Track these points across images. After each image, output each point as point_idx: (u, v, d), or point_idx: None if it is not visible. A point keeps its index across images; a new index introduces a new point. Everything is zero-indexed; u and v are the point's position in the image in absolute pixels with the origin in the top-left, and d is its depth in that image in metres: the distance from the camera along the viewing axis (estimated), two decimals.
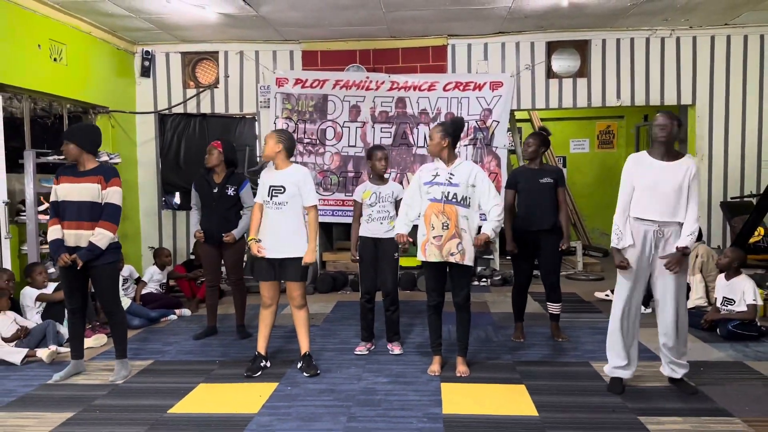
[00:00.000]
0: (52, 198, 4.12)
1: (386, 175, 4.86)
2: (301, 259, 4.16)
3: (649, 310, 5.39)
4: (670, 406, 3.55)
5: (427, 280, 4.25)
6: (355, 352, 4.71)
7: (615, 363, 3.82)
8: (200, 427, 3.35)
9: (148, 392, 3.92)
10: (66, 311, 4.37)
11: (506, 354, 4.61)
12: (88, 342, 4.97)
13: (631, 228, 3.64)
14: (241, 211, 5.23)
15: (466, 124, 7.38)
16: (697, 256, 5.95)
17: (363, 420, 3.40)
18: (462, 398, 3.72)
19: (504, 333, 5.19)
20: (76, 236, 4.03)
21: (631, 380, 3.95)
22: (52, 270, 5.64)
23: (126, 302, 5.67)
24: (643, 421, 3.34)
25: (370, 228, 4.71)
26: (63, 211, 4.05)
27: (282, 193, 4.14)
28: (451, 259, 4.03)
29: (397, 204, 4.65)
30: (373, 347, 4.83)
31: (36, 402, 3.79)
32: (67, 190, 4.04)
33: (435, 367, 4.21)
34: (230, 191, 5.18)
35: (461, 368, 4.18)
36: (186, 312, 6.08)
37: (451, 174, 4.07)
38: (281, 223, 4.15)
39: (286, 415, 3.48)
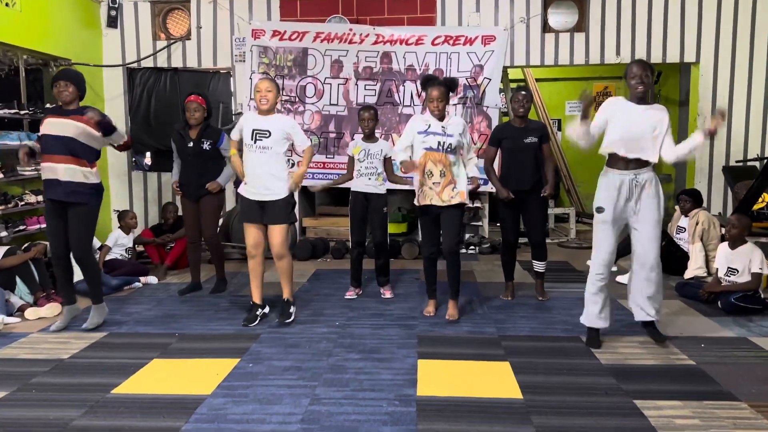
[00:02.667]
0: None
1: (377, 133, 5.08)
2: (283, 201, 4.22)
3: (614, 269, 5.10)
4: (668, 388, 3.21)
5: (422, 230, 4.50)
6: (345, 297, 5.05)
7: (592, 311, 3.83)
8: (144, 409, 2.99)
9: (94, 369, 3.55)
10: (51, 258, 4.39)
11: (490, 327, 4.26)
12: (40, 311, 4.63)
13: (607, 179, 3.74)
14: (223, 162, 5.17)
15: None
16: (697, 224, 5.58)
17: (327, 402, 3.05)
18: (440, 377, 3.37)
19: (490, 305, 4.84)
20: (51, 169, 4.10)
21: (625, 358, 3.63)
22: (3, 234, 5.25)
23: None
24: (639, 405, 3.00)
25: (359, 183, 4.93)
26: (44, 145, 4.14)
27: (267, 137, 4.17)
28: (452, 202, 4.26)
29: (385, 162, 4.92)
30: (360, 292, 5.16)
31: None
32: (49, 125, 4.13)
33: (430, 309, 4.55)
34: (206, 145, 5.08)
35: (451, 311, 4.41)
36: (152, 279, 5.68)
37: (443, 126, 4.27)
38: (264, 166, 4.19)
39: (243, 397, 3.12)
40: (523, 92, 4.77)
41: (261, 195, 4.21)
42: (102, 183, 4.31)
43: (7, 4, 5.73)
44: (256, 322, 4.32)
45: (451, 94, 4.32)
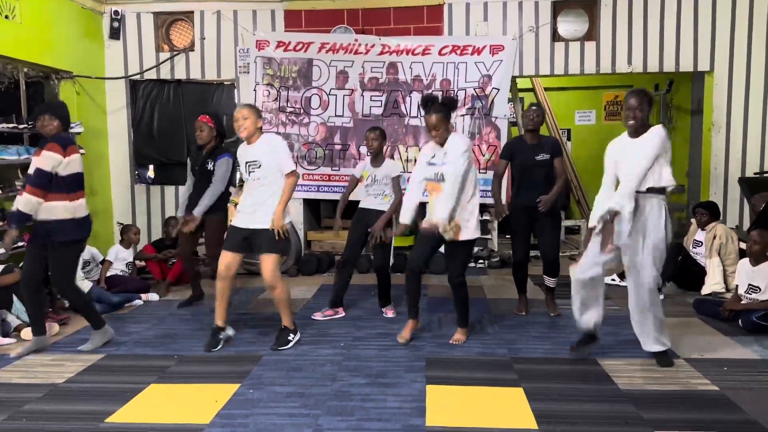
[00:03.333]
0: None
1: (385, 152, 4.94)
2: (272, 231, 4.00)
3: (624, 283, 4.92)
4: (691, 417, 3.04)
5: (416, 242, 4.27)
6: (313, 317, 4.81)
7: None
8: None
9: (89, 395, 3.41)
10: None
11: (502, 348, 4.09)
12: None
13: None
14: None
15: (463, 92, 6.80)
16: (715, 237, 5.40)
17: None
18: (449, 405, 3.20)
19: (501, 323, 4.67)
20: None
21: (645, 382, 3.45)
22: (1, 251, 5.12)
23: (86, 286, 5.21)
24: None
25: (367, 201, 4.86)
26: None
27: (258, 167, 4.02)
28: (447, 237, 3.99)
29: (392, 182, 4.77)
30: (337, 315, 4.88)
31: None
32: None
33: (405, 334, 4.18)
34: (210, 166, 4.98)
35: (457, 336, 4.21)
36: (153, 296, 5.54)
37: (445, 153, 4.05)
38: (261, 195, 4.04)
39: (242, 427, 2.97)
40: (535, 107, 4.67)
41: (248, 222, 4.04)
42: (80, 218, 4.01)
43: (6, 16, 5.64)
44: (219, 347, 4.12)
45: (452, 112, 4.13)
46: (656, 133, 3.54)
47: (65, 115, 4.08)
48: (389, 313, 4.90)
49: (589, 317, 3.80)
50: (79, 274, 5.15)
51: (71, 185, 3.98)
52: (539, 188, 4.61)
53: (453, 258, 4.15)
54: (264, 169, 4.00)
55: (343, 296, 4.94)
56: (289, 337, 4.16)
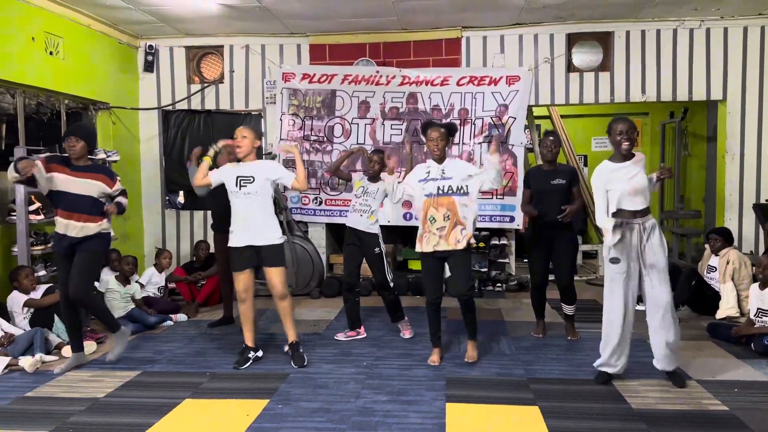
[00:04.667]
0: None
1: (384, 175, 4.96)
2: (277, 246, 4.29)
3: (642, 307, 5.04)
4: None
5: (425, 275, 4.39)
6: (335, 337, 5.02)
7: (605, 358, 3.93)
8: None
9: (129, 408, 3.63)
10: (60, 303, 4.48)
11: (519, 369, 4.25)
12: None
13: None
14: None
15: (480, 120, 7.05)
16: (728, 263, 5.51)
17: None
18: (469, 422, 3.37)
19: (518, 345, 4.82)
20: (66, 225, 4.22)
21: (656, 402, 3.59)
22: (42, 273, 5.41)
23: (129, 307, 5.57)
24: None
25: (352, 219, 4.96)
26: (58, 200, 4.26)
27: (251, 183, 4.25)
28: (458, 246, 4.15)
29: (382, 199, 4.95)
30: (358, 336, 5.04)
31: (8, 417, 3.52)
32: (64, 182, 4.23)
33: (434, 358, 4.38)
34: None
35: (470, 353, 4.38)
36: (182, 317, 5.79)
37: (443, 170, 4.25)
38: (252, 212, 4.27)
39: None
40: (551, 137, 4.83)
41: (254, 240, 4.27)
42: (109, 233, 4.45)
43: (51, 53, 6.03)
44: (247, 365, 4.35)
45: (450, 138, 4.36)
46: (642, 157, 3.86)
47: (91, 137, 4.40)
48: (406, 333, 5.03)
49: (622, 362, 3.92)
50: (134, 285, 5.72)
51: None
52: (554, 212, 4.72)
53: (460, 272, 4.23)
54: (256, 185, 4.24)
55: (359, 317, 5.08)
56: (301, 350, 4.41)
